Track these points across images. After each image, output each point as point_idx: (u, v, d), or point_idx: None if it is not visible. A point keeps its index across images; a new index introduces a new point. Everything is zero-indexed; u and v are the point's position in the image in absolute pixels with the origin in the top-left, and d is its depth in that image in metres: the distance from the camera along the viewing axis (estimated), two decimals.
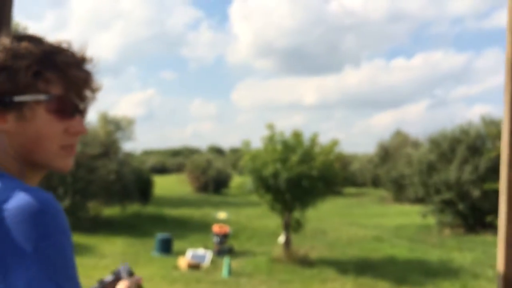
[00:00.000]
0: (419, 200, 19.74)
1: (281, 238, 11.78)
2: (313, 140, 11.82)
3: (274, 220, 14.11)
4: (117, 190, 16.11)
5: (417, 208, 19.20)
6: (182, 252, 11.39)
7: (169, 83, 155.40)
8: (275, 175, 11.07)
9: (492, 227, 14.92)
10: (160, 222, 16.66)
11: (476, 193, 15.50)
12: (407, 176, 20.22)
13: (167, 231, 13.39)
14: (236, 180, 30.59)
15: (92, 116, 24.33)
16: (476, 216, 15.75)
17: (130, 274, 1.19)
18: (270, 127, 11.71)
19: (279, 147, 11.57)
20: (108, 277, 1.17)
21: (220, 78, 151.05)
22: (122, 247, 12.51)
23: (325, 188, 11.63)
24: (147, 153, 58.31)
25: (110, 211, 16.91)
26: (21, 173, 0.88)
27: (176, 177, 39.47)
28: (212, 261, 10.82)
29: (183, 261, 10.45)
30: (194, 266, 10.34)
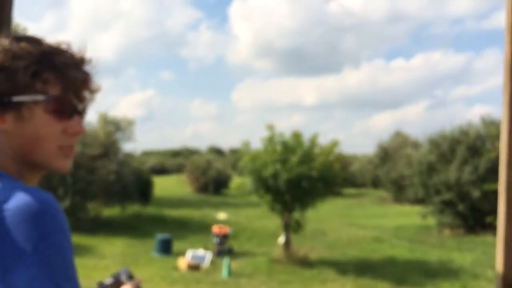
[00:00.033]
0: (419, 201, 19.75)
1: (281, 239, 11.77)
2: (313, 141, 11.83)
3: (274, 221, 14.11)
4: (117, 191, 16.11)
5: (417, 208, 19.21)
6: (182, 253, 11.39)
7: (169, 83, 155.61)
8: (275, 175, 11.07)
9: (492, 228, 14.91)
10: (160, 222, 16.66)
11: (476, 193, 15.50)
12: (407, 176, 20.23)
13: (167, 232, 13.39)
14: (236, 181, 30.52)
15: (91, 116, 24.32)
16: (476, 216, 15.74)
17: (130, 277, 1.19)
18: (270, 127, 11.72)
19: (279, 147, 11.57)
20: (108, 280, 1.17)
21: (220, 78, 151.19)
22: (122, 248, 12.50)
23: (325, 188, 11.62)
24: (147, 154, 58.30)
25: (110, 211, 16.90)
26: (20, 174, 0.88)
27: (176, 178, 39.46)
28: (212, 262, 10.81)
29: (183, 262, 10.45)
30: (194, 267, 10.34)
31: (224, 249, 11.88)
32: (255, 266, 10.80)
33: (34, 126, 0.87)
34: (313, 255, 11.95)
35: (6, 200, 0.77)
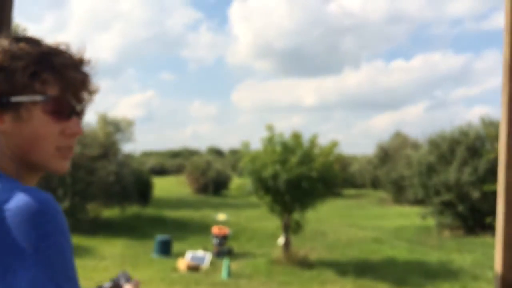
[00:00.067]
0: (418, 202, 19.74)
1: (281, 240, 11.77)
2: (313, 142, 11.83)
3: (273, 222, 14.10)
4: (117, 192, 16.10)
5: (417, 209, 19.20)
6: (181, 254, 11.39)
7: (168, 84, 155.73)
8: (275, 176, 11.07)
9: (491, 229, 14.90)
10: (160, 223, 16.66)
11: (475, 194, 15.50)
12: (407, 177, 20.22)
13: (167, 233, 13.39)
14: (236, 182, 30.50)
15: (91, 117, 24.30)
16: (475, 217, 15.73)
17: (129, 281, 1.20)
18: (270, 128, 11.72)
19: (278, 148, 11.57)
20: (107, 284, 1.18)
21: (220, 79, 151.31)
22: (122, 249, 12.50)
23: (325, 189, 11.62)
24: (147, 155, 58.28)
25: (110, 212, 16.90)
26: (18, 174, 0.88)
27: (175, 179, 39.45)
28: (212, 263, 10.81)
29: (182, 263, 10.44)
30: (194, 268, 10.33)
31: (223, 250, 11.88)
32: (254, 267, 10.80)
33: (32, 127, 0.87)
34: (313, 256, 11.95)
35: (6, 200, 0.77)
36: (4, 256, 0.74)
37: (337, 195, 27.84)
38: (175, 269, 10.33)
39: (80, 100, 0.94)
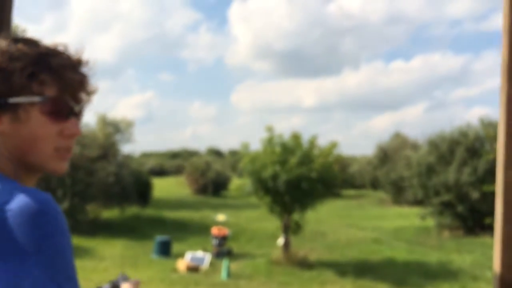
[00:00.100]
0: (418, 202, 19.75)
1: (280, 240, 11.77)
2: (312, 142, 11.83)
3: (273, 222, 14.10)
4: (116, 193, 16.10)
5: (416, 210, 19.22)
6: (181, 255, 11.39)
7: (168, 85, 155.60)
8: (274, 177, 11.07)
9: (491, 229, 14.87)
10: (159, 224, 16.66)
11: (475, 195, 15.51)
12: (406, 178, 20.21)
13: (166, 234, 13.39)
14: (235, 182, 30.51)
15: (90, 118, 24.29)
16: (475, 218, 15.74)
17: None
18: (269, 129, 11.72)
19: (278, 149, 11.58)
20: (106, 286, 1.18)
21: (219, 80, 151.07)
22: (121, 250, 12.49)
23: (324, 190, 11.63)
24: (146, 155, 58.23)
25: (109, 213, 16.89)
26: (16, 175, 0.89)
27: (175, 179, 39.45)
28: (211, 264, 10.81)
29: (182, 264, 10.44)
30: (193, 269, 10.33)
31: (223, 251, 11.87)
32: (254, 267, 10.80)
33: (30, 128, 0.87)
34: (313, 256, 11.96)
35: (7, 201, 0.78)
36: (5, 256, 0.74)
37: (337, 195, 27.84)
38: (174, 270, 10.33)
39: (78, 101, 0.94)
